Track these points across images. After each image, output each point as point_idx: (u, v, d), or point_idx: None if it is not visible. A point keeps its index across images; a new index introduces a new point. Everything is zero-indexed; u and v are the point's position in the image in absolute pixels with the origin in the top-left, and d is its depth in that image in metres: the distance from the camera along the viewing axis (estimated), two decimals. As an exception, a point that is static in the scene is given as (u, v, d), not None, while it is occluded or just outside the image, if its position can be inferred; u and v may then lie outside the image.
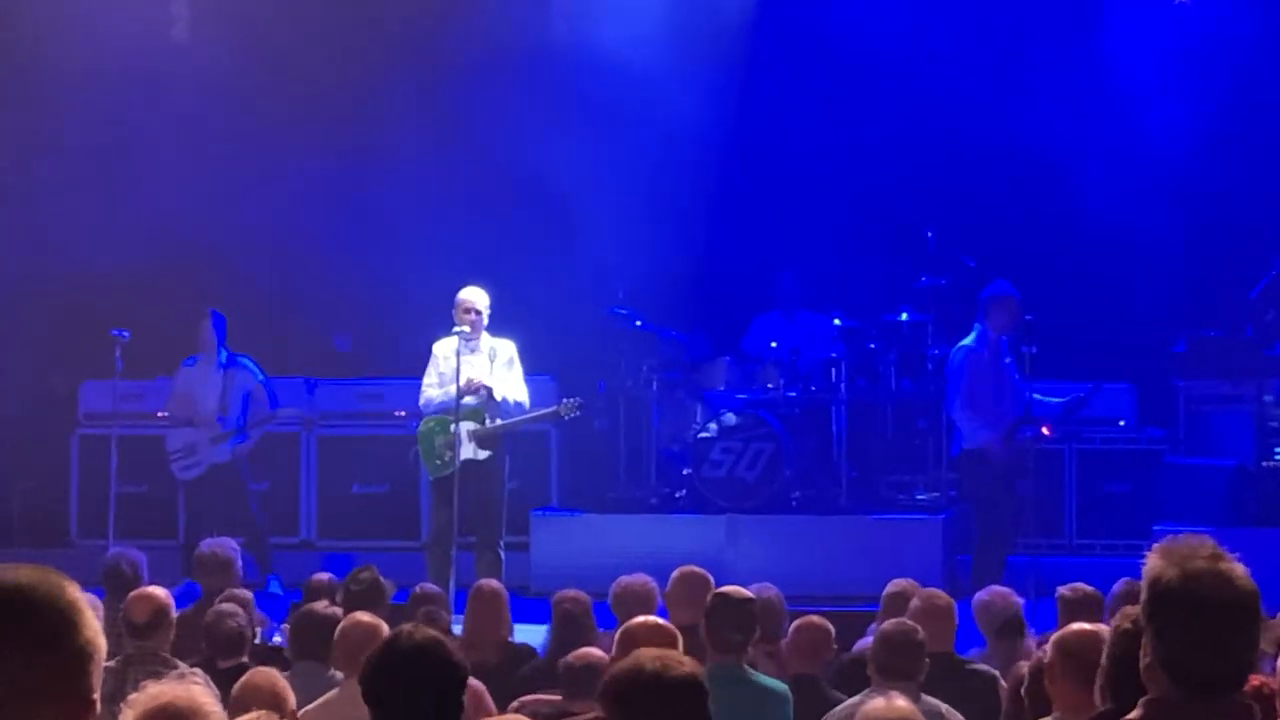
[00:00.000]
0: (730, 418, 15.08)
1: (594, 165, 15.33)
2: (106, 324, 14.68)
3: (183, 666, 7.63)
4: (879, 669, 7.72)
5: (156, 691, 4.50)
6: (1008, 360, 14.12)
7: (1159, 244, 15.90)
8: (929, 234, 15.49)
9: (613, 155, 15.60)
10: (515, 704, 7.71)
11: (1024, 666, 6.96)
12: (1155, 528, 13.20)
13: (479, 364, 13.26)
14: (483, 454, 13.23)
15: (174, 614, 8.56)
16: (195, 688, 4.60)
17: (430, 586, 10.89)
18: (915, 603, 8.97)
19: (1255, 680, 4.15)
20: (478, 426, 13.22)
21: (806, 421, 15.44)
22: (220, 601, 9.31)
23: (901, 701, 6.09)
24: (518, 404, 13.36)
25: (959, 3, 16.32)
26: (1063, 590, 9.25)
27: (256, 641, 9.39)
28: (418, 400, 13.61)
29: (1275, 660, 5.38)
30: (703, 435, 15.07)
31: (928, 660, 7.78)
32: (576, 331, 15.74)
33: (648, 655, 4.95)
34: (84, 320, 15.63)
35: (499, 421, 13.27)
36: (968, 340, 14.25)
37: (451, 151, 16.25)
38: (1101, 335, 15.75)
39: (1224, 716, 3.89)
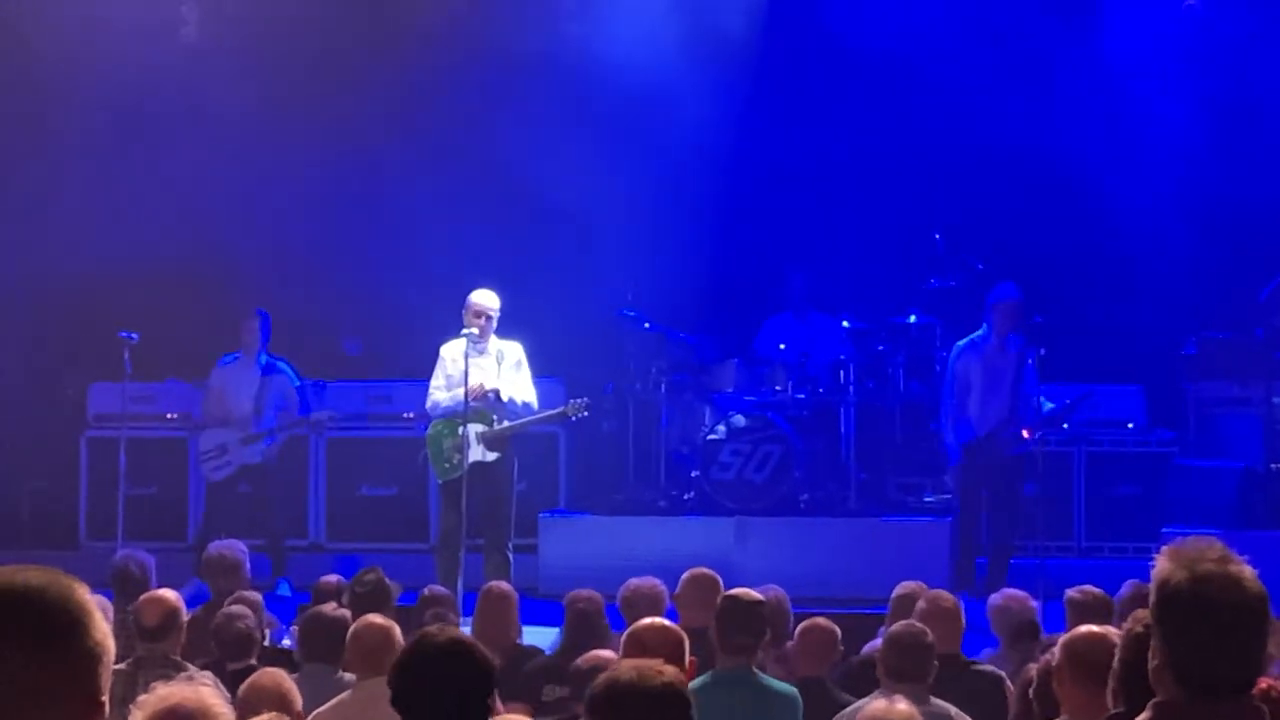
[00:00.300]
0: (739, 420, 15.08)
1: (603, 168, 15.34)
2: (115, 326, 14.68)
3: (192, 669, 7.63)
4: (888, 671, 7.72)
5: (165, 693, 4.50)
6: (1013, 362, 14.08)
7: (1168, 246, 15.88)
8: (937, 236, 15.51)
9: (622, 157, 15.61)
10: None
11: (1032, 669, 6.96)
12: (1164, 530, 13.19)
13: (487, 366, 13.26)
14: (491, 456, 13.23)
15: (185, 617, 8.56)
16: (204, 689, 4.61)
17: (439, 588, 10.89)
18: (921, 604, 8.98)
19: (1264, 683, 4.14)
20: (486, 429, 13.22)
21: (815, 423, 15.44)
22: (229, 604, 9.31)
23: (903, 705, 6.10)
24: (525, 405, 13.36)
25: (967, 6, 16.30)
26: (1071, 593, 9.24)
27: (265, 644, 9.39)
28: (425, 403, 13.61)
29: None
30: (711, 437, 15.06)
31: (937, 662, 7.78)
32: (585, 333, 15.74)
33: (627, 666, 4.93)
34: (93, 322, 15.64)
35: (507, 424, 13.27)
36: (962, 341, 14.31)
37: (462, 154, 16.24)
38: (1110, 337, 15.74)
39: (1233, 719, 3.89)
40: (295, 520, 15.77)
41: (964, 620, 9.08)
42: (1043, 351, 13.71)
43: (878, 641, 9.20)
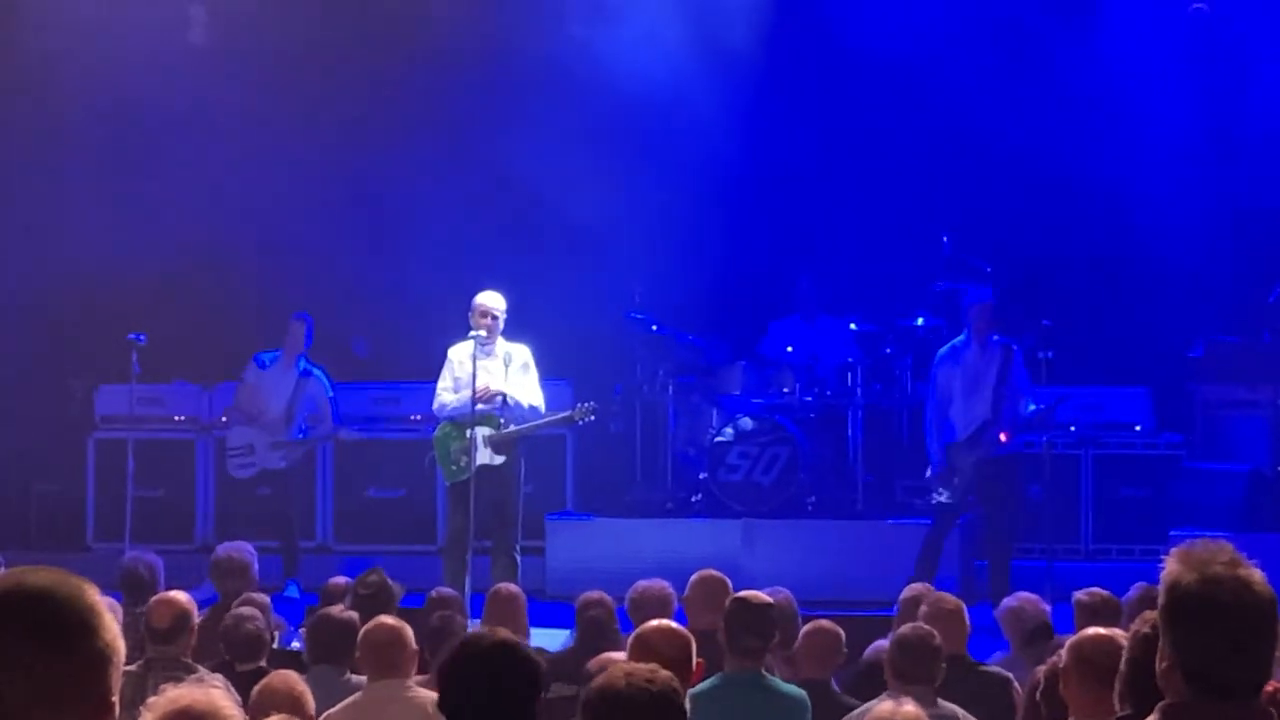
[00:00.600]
0: (747, 422, 15.09)
1: (611, 170, 15.33)
2: (123, 328, 14.69)
3: (202, 671, 7.63)
4: (895, 673, 7.72)
5: (175, 695, 4.51)
6: (995, 365, 14.04)
7: (1176, 249, 15.88)
8: (945, 239, 15.50)
9: (630, 160, 15.61)
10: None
11: (1040, 671, 6.95)
12: (1171, 533, 13.20)
13: (494, 368, 13.25)
14: (498, 459, 13.22)
15: (196, 619, 8.56)
16: (214, 691, 4.61)
17: (446, 590, 10.89)
18: (924, 607, 8.97)
19: (1272, 685, 4.14)
20: (493, 432, 13.21)
21: (822, 426, 15.45)
22: (237, 605, 9.31)
23: (910, 706, 6.09)
24: (533, 409, 13.35)
25: (975, 10, 16.29)
26: (1079, 595, 9.23)
27: (275, 646, 9.39)
28: (432, 405, 13.61)
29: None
30: (719, 439, 15.07)
31: (944, 665, 7.77)
32: (593, 336, 15.74)
33: (620, 671, 4.93)
34: (101, 324, 15.64)
35: (514, 427, 13.26)
36: (943, 348, 14.32)
37: (469, 157, 16.25)
38: (1118, 340, 15.75)
39: (1242, 722, 3.89)
40: (303, 522, 15.77)
41: (969, 622, 9.07)
42: (1051, 354, 13.70)
43: (881, 643, 9.21)
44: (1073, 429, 15.19)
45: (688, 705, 4.97)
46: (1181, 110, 16.13)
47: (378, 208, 16.78)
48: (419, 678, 7.87)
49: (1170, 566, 3.93)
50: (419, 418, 15.41)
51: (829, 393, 15.45)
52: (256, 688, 6.88)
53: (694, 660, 6.52)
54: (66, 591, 2.91)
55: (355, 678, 8.07)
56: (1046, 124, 16.16)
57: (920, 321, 15.38)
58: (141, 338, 14.55)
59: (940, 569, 13.60)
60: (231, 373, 15.65)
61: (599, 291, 15.77)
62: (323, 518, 16.11)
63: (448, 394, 13.38)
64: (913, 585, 10.44)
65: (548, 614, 11.79)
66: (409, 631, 7.78)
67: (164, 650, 8.27)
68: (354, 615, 8.58)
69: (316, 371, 15.16)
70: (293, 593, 14.41)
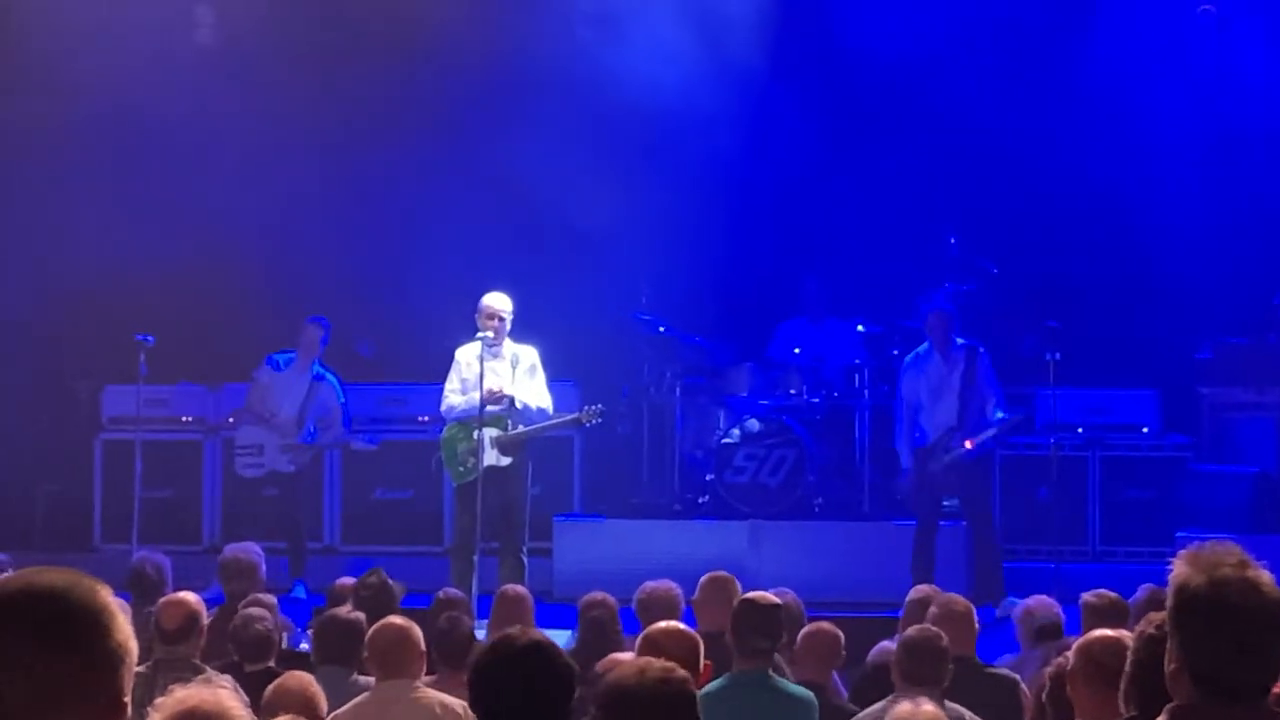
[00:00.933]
0: (753, 424, 15.09)
1: (617, 172, 15.32)
2: (130, 329, 14.70)
3: (211, 672, 7.64)
4: (903, 675, 7.72)
5: (183, 695, 4.51)
6: (959, 371, 14.03)
7: (1183, 251, 15.86)
8: (952, 240, 15.50)
9: (636, 162, 15.60)
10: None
11: (1046, 673, 6.95)
12: (1178, 534, 13.17)
13: (501, 370, 13.26)
14: (505, 461, 13.22)
15: (205, 620, 8.57)
16: (222, 692, 4.61)
17: (453, 591, 10.89)
18: (933, 608, 8.97)
19: (1280, 687, 4.14)
20: (500, 433, 13.21)
21: (829, 427, 15.44)
22: (246, 606, 9.31)
23: (929, 706, 6.09)
24: (540, 411, 13.35)
25: (979, 11, 16.28)
26: (1087, 597, 9.23)
27: (283, 646, 9.39)
28: (440, 406, 13.61)
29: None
30: (726, 441, 15.07)
31: (951, 666, 7.77)
32: (600, 337, 15.74)
33: (635, 666, 4.94)
34: (108, 325, 15.65)
35: (521, 429, 13.27)
36: (908, 357, 14.33)
37: (474, 158, 16.25)
38: (1125, 342, 15.73)
39: (1250, 724, 3.89)
40: (310, 523, 15.77)
41: (978, 624, 9.07)
42: (1058, 356, 13.70)
43: (884, 645, 9.21)
44: (1080, 431, 15.18)
45: (694, 705, 4.99)
46: (1188, 112, 16.12)
47: (384, 208, 16.77)
48: (426, 678, 7.88)
49: (1179, 568, 3.93)
50: (426, 419, 15.42)
51: (836, 394, 15.45)
52: (270, 688, 6.89)
53: (701, 661, 6.52)
54: (79, 592, 2.92)
55: (363, 678, 8.08)
56: (1053, 125, 16.16)
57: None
58: (148, 339, 14.57)
59: (949, 570, 13.57)
60: (238, 374, 15.66)
61: (606, 293, 15.77)
62: (330, 519, 16.12)
63: (455, 395, 13.38)
64: (919, 587, 10.44)
65: (555, 615, 11.78)
66: (417, 632, 7.77)
67: (173, 651, 8.28)
68: (361, 616, 8.58)
69: (330, 376, 15.16)
70: (300, 593, 14.42)
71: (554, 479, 15.33)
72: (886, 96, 16.38)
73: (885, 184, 16.22)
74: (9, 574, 3.08)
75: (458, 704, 7.24)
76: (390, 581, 9.85)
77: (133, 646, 2.94)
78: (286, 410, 15.01)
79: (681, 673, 4.93)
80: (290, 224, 16.00)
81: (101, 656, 2.89)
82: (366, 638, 7.89)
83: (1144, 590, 9.05)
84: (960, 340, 14.14)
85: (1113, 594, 9.22)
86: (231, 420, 15.72)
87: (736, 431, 15.08)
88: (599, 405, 13.56)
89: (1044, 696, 6.43)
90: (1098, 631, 5.98)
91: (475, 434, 13.09)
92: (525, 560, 13.28)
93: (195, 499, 16.09)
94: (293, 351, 15.14)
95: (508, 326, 13.26)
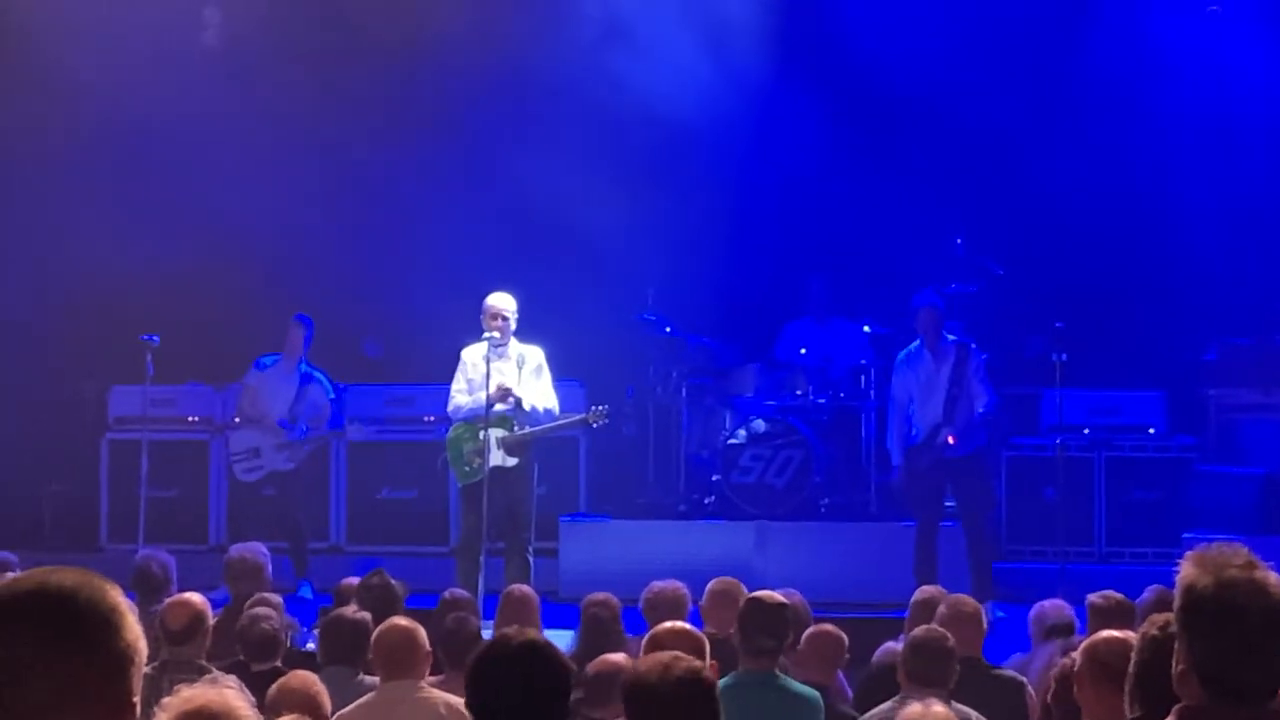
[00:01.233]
0: (760, 424, 15.09)
1: (623, 172, 15.34)
2: (137, 329, 14.71)
3: (216, 672, 7.64)
4: (909, 676, 7.71)
5: (190, 695, 4.51)
6: (949, 367, 14.01)
7: (1190, 252, 15.87)
8: (958, 241, 15.51)
9: (641, 162, 15.61)
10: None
11: (1052, 675, 6.95)
12: (1185, 535, 13.19)
13: (507, 370, 13.26)
14: (511, 461, 13.22)
15: (210, 621, 8.57)
16: (229, 691, 4.61)
17: (459, 591, 10.87)
18: (942, 609, 8.96)
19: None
20: (506, 434, 13.21)
21: (836, 428, 15.45)
22: (252, 605, 9.32)
23: (939, 708, 6.09)
24: (546, 411, 13.35)
25: (986, 12, 16.28)
26: (1093, 598, 9.22)
27: (289, 646, 9.40)
28: (446, 406, 13.61)
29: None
30: (732, 441, 15.07)
31: (958, 667, 7.77)
32: (606, 338, 15.74)
33: (659, 662, 4.96)
34: (114, 325, 15.66)
35: (527, 429, 13.27)
36: (901, 354, 14.31)
37: (481, 158, 16.26)
38: (1131, 343, 15.73)
39: (1257, 724, 3.89)
40: (316, 522, 15.78)
41: (985, 625, 9.07)
42: (1064, 357, 13.70)
43: (890, 646, 9.20)
44: (1086, 432, 15.18)
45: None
46: (1195, 112, 16.12)
47: (391, 209, 16.79)
48: (431, 679, 7.88)
49: (1186, 569, 3.93)
50: (432, 419, 15.43)
51: (842, 395, 15.46)
52: (273, 687, 6.89)
53: (708, 662, 6.52)
54: (89, 592, 2.92)
55: (368, 678, 8.08)
56: (1059, 127, 16.16)
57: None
58: (155, 339, 14.58)
59: (955, 571, 13.56)
60: (244, 374, 15.67)
61: (612, 293, 15.77)
62: (335, 519, 16.13)
63: (462, 396, 13.39)
64: (924, 588, 10.43)
65: (561, 616, 11.78)
66: (422, 633, 7.78)
67: (179, 652, 8.28)
68: (367, 616, 8.58)
69: (318, 375, 15.18)
70: (306, 593, 14.44)
71: (560, 479, 15.34)
72: (892, 98, 16.36)
73: (891, 184, 16.23)
74: (18, 574, 3.09)
75: (463, 704, 7.24)
76: (393, 581, 9.85)
77: (142, 646, 2.94)
78: (276, 410, 15.04)
79: (704, 668, 4.97)
80: (296, 224, 16.00)
81: (111, 656, 2.90)
82: (371, 638, 7.89)
83: (1150, 591, 9.03)
84: (951, 337, 14.11)
85: (1118, 595, 9.20)
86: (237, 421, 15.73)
87: (742, 432, 15.08)
88: (605, 406, 13.56)
89: (1050, 697, 6.43)
90: (1103, 632, 5.97)
91: (481, 434, 13.08)
92: (531, 560, 13.28)
93: (201, 499, 16.10)
94: (279, 354, 15.17)
95: (512, 326, 13.26)
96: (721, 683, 7.53)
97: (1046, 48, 16.39)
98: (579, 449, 15.88)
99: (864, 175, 16.28)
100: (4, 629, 2.87)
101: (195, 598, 8.68)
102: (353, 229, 16.51)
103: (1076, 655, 5.92)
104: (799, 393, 15.33)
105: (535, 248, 15.65)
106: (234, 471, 15.30)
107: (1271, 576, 3.90)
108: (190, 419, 16.36)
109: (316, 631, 9.41)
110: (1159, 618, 4.46)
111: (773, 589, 8.89)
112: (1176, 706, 3.92)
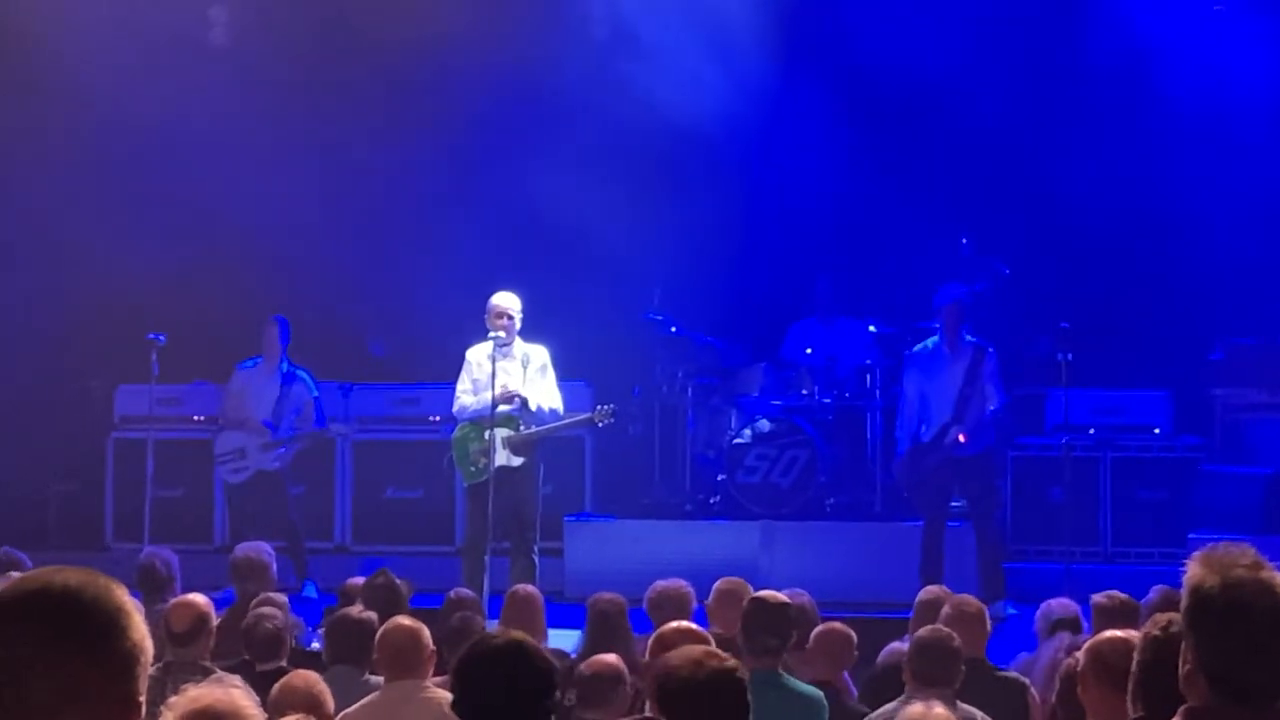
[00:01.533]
0: (765, 424, 15.09)
1: (629, 171, 15.33)
2: (142, 328, 14.72)
3: (221, 673, 7.64)
4: (914, 676, 7.71)
5: (196, 694, 4.51)
6: (964, 364, 14.00)
7: (1196, 252, 15.86)
8: (964, 240, 15.50)
9: (647, 162, 15.61)
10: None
11: (1056, 675, 6.94)
12: (1190, 536, 13.18)
13: (513, 369, 13.25)
14: (517, 461, 13.21)
15: (214, 622, 8.57)
16: (235, 691, 4.62)
17: (465, 591, 10.89)
18: (946, 609, 8.96)
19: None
20: (512, 434, 13.20)
21: (841, 428, 15.45)
22: (257, 605, 9.32)
23: (940, 709, 6.09)
24: (552, 411, 13.34)
25: (991, 14, 16.27)
26: (1098, 598, 9.21)
27: (294, 646, 9.39)
28: (452, 406, 13.61)
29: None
30: (738, 441, 15.07)
31: (964, 667, 7.77)
32: (611, 337, 15.74)
33: (690, 656, 4.98)
34: (120, 324, 15.67)
35: (533, 429, 13.26)
36: (916, 348, 14.32)
37: (487, 159, 16.26)
38: (1137, 343, 15.72)
39: (1264, 725, 3.88)
40: (321, 522, 15.79)
41: (990, 625, 9.06)
42: (1070, 357, 13.69)
43: (895, 645, 9.20)
44: (1092, 431, 15.17)
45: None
46: (1200, 112, 16.10)
47: (396, 208, 16.79)
48: (436, 678, 7.88)
49: (1192, 570, 3.92)
50: (438, 419, 15.43)
51: (847, 394, 15.46)
52: (276, 687, 6.89)
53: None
54: (94, 591, 2.92)
55: (373, 678, 8.08)
56: (1065, 127, 16.16)
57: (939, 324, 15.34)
58: (160, 338, 14.60)
59: (961, 571, 13.56)
60: (250, 373, 15.69)
61: (617, 293, 15.78)
62: (341, 518, 16.14)
63: (467, 396, 13.38)
64: (929, 588, 10.43)
65: (566, 615, 11.78)
66: (426, 632, 7.78)
67: (182, 653, 8.28)
68: (372, 615, 8.58)
69: (300, 373, 15.18)
70: (311, 593, 14.43)
71: (565, 479, 15.33)
72: (897, 98, 16.36)
73: (897, 184, 16.22)
74: (25, 572, 3.09)
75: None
76: (398, 581, 9.85)
77: (148, 646, 2.94)
78: (260, 411, 15.05)
79: (738, 665, 5.00)
80: (301, 223, 15.99)
81: (117, 656, 2.89)
82: (376, 638, 7.89)
83: (1155, 591, 9.03)
84: (970, 338, 14.12)
85: (1123, 595, 9.20)
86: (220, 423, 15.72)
87: (748, 432, 15.08)
88: (611, 405, 13.55)
89: (1054, 697, 6.43)
90: (1107, 632, 5.96)
91: (487, 434, 13.08)
92: (537, 560, 13.28)
93: (207, 498, 16.09)
94: (260, 356, 15.18)
95: (517, 325, 13.25)
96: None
97: (1053, 48, 16.38)
98: (584, 449, 15.88)
99: (869, 175, 16.27)
100: (4, 628, 2.87)
101: (199, 599, 8.68)
102: (358, 229, 16.51)
103: (1080, 655, 5.91)
104: (804, 392, 15.33)
105: (541, 247, 15.65)
106: (220, 473, 15.31)
107: (1278, 576, 3.89)
108: (196, 418, 16.36)
109: (321, 631, 9.41)
110: (1161, 617, 4.45)
111: (779, 589, 8.89)
112: (1183, 707, 3.92)
